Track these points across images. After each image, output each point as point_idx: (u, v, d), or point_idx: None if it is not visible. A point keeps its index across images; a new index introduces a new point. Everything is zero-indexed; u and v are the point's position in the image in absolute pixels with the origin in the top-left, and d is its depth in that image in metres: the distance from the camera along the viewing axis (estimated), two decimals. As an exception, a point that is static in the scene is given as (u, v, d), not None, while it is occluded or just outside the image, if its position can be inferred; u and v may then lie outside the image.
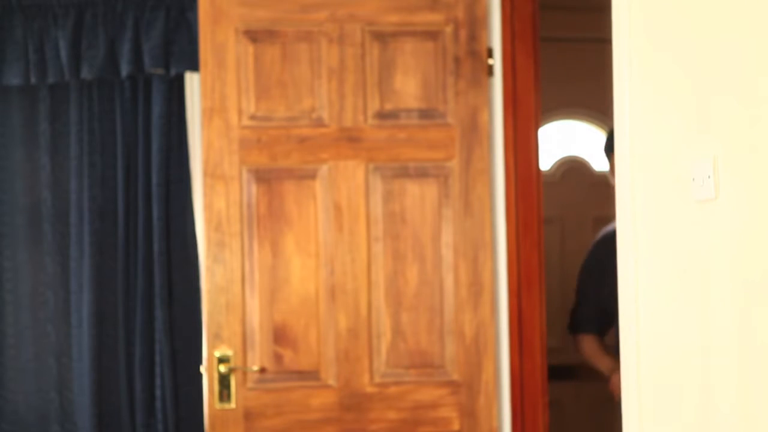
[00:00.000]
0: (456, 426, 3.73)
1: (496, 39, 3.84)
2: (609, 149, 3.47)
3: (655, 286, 2.47)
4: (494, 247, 3.80)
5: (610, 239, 3.04)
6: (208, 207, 3.71)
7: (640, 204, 2.53)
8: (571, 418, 5.92)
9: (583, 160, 6.97)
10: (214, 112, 3.72)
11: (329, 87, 3.76)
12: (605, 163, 3.95)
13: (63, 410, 4.10)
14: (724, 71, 2.18)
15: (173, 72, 4.04)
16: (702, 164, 2.22)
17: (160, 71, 4.03)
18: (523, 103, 3.85)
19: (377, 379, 3.73)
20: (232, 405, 3.68)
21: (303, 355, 3.71)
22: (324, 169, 3.75)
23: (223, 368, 3.67)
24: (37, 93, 4.13)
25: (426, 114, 3.77)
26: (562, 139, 6.95)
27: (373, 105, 3.77)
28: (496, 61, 3.83)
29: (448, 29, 3.77)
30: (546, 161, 6.77)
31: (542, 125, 4.81)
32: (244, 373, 3.69)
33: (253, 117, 3.74)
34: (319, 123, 3.76)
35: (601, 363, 4.15)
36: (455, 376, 3.74)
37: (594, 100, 6.45)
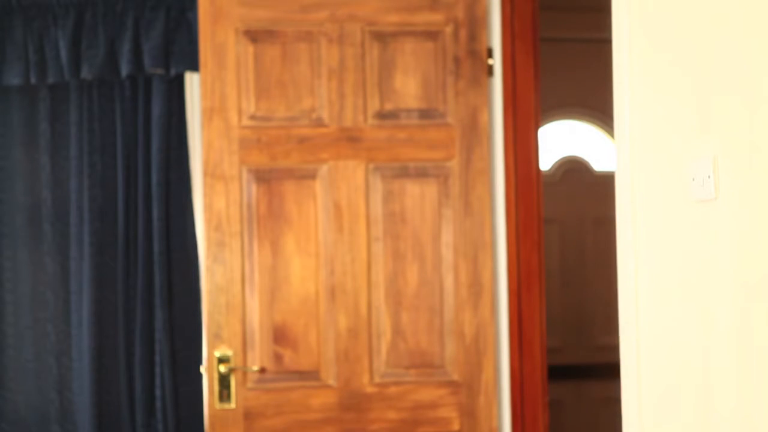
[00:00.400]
0: (456, 426, 3.73)
1: (496, 39, 3.84)
2: None
3: (655, 286, 2.47)
4: (494, 247, 3.80)
5: None
6: (208, 207, 3.71)
7: (640, 204, 2.53)
8: (571, 418, 5.92)
9: (583, 160, 6.97)
10: (214, 112, 3.72)
11: (329, 87, 3.76)
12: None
13: (63, 410, 4.10)
14: (724, 71, 2.18)
15: (173, 72, 4.04)
16: (702, 164, 2.22)
17: (160, 71, 4.03)
18: (523, 103, 3.85)
19: (377, 379, 3.73)
20: (232, 405, 3.68)
21: (303, 355, 3.72)
22: (324, 169, 3.75)
23: (223, 368, 3.67)
24: (37, 93, 4.13)
25: (426, 114, 3.77)
26: (562, 139, 6.95)
27: (373, 105, 3.77)
28: (496, 61, 3.83)
29: (448, 29, 3.78)
30: (546, 161, 6.77)
31: (542, 125, 4.82)
32: (244, 373, 3.69)
33: (253, 117, 3.74)
34: (319, 123, 3.76)
35: None
36: (455, 376, 3.74)
37: (594, 100, 6.46)
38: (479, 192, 3.76)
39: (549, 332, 3.97)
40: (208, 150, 3.72)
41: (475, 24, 3.77)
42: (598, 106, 6.69)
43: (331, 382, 3.72)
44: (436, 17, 3.77)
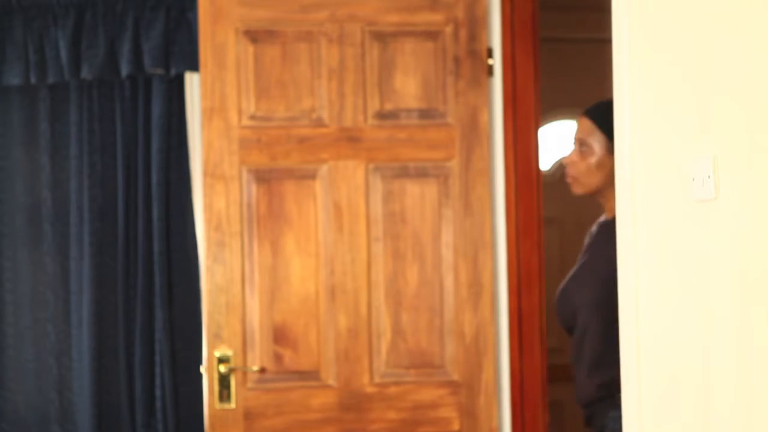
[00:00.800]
0: (456, 426, 3.73)
1: (496, 39, 3.84)
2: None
3: (655, 286, 2.47)
4: (494, 247, 3.80)
5: None
6: (208, 207, 3.71)
7: (640, 204, 2.53)
8: (571, 418, 5.92)
9: (583, 160, 6.95)
10: (214, 112, 3.72)
11: (329, 87, 3.76)
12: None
13: (63, 410, 4.10)
14: (724, 71, 2.18)
15: (173, 72, 4.04)
16: (702, 164, 2.22)
17: (160, 71, 4.03)
18: (522, 103, 3.85)
19: (377, 379, 3.73)
20: (232, 405, 3.68)
21: (303, 355, 3.72)
22: (324, 169, 3.75)
23: (223, 368, 3.67)
24: (37, 93, 4.13)
25: (426, 114, 3.77)
26: (562, 139, 6.94)
27: (373, 105, 3.77)
28: (496, 61, 3.83)
29: (448, 29, 3.77)
30: (546, 161, 6.77)
31: (542, 125, 4.81)
32: (244, 373, 3.69)
33: (253, 117, 3.74)
34: (319, 123, 3.76)
35: None
36: (455, 376, 3.74)
37: (594, 100, 6.45)
38: (479, 192, 3.76)
39: (549, 332, 3.97)
40: (208, 150, 3.72)
41: (475, 24, 3.77)
42: (598, 106, 6.68)
43: (331, 382, 3.72)
44: (436, 17, 3.77)
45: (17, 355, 4.12)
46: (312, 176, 3.75)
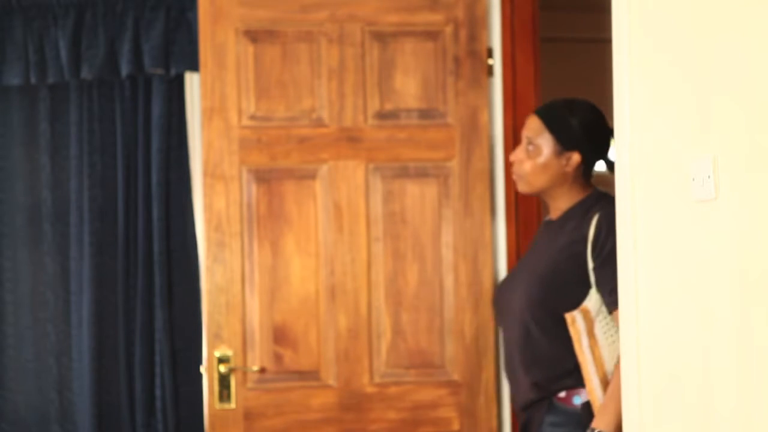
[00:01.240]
0: (456, 426, 3.73)
1: (496, 39, 3.84)
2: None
3: (655, 286, 2.47)
4: (494, 247, 3.80)
5: None
6: (208, 207, 3.71)
7: (640, 204, 2.53)
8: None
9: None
10: (214, 112, 3.72)
11: (329, 87, 3.76)
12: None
13: (63, 410, 4.10)
14: (724, 71, 2.18)
15: (173, 72, 4.04)
16: (702, 164, 2.22)
17: (160, 71, 4.03)
18: (523, 103, 3.85)
19: (377, 379, 3.73)
20: (232, 405, 3.68)
21: (303, 355, 3.71)
22: (324, 169, 3.75)
23: (223, 368, 3.67)
24: (37, 93, 4.13)
25: (426, 114, 3.77)
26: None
27: (373, 105, 3.77)
28: (496, 61, 3.83)
29: (448, 29, 3.77)
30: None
31: (542, 125, 4.81)
32: (244, 373, 3.69)
33: (253, 117, 3.74)
34: (319, 123, 3.76)
35: None
36: (455, 376, 3.74)
37: (594, 100, 6.45)
38: (479, 192, 3.76)
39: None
40: (208, 150, 3.72)
41: (475, 24, 3.77)
42: (598, 106, 6.68)
43: (331, 382, 3.72)
44: (436, 17, 3.77)
45: (17, 355, 4.12)
46: (312, 176, 3.75)
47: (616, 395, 2.82)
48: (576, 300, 2.98)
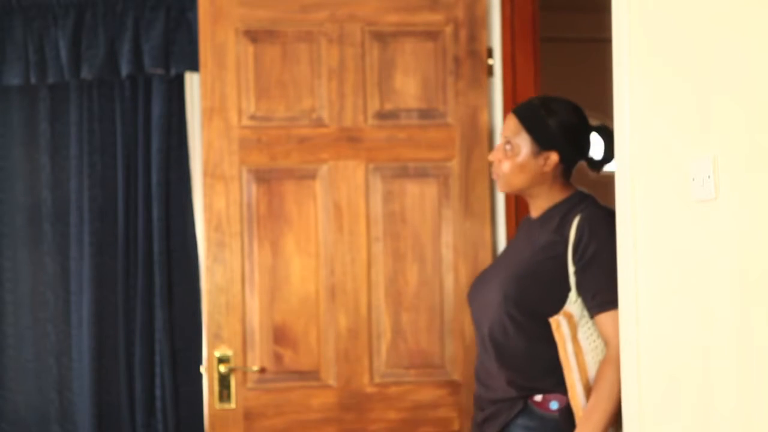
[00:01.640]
0: (456, 426, 3.73)
1: (496, 39, 3.84)
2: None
3: (655, 286, 2.47)
4: (494, 247, 3.80)
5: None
6: (208, 207, 3.71)
7: (640, 204, 2.53)
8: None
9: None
10: (214, 112, 3.72)
11: (329, 87, 3.76)
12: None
13: (63, 410, 4.10)
14: (724, 71, 2.18)
15: (173, 72, 4.04)
16: (702, 164, 2.22)
17: (160, 71, 4.03)
18: (523, 103, 3.84)
19: (377, 379, 3.73)
20: (232, 405, 3.68)
21: (303, 355, 3.71)
22: (324, 169, 3.75)
23: (223, 368, 3.67)
24: (37, 93, 4.13)
25: (426, 114, 3.77)
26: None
27: (373, 105, 3.77)
28: (496, 61, 3.83)
29: (448, 29, 3.77)
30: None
31: (542, 125, 4.81)
32: (244, 373, 3.69)
33: (253, 117, 3.74)
34: (319, 123, 3.76)
35: None
36: (455, 376, 3.74)
37: (594, 100, 6.45)
38: (479, 192, 3.76)
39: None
40: (208, 150, 3.72)
41: (475, 24, 3.77)
42: (598, 106, 6.69)
43: (331, 382, 3.72)
44: (436, 17, 3.77)
45: (17, 355, 4.12)
46: (312, 176, 3.75)
47: (601, 403, 2.80)
48: (554, 300, 2.94)
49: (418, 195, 3.77)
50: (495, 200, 3.82)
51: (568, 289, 2.93)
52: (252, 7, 3.74)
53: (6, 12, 4.06)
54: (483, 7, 3.78)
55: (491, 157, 3.11)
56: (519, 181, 3.07)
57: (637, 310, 2.54)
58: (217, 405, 3.67)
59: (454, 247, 3.74)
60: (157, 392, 4.04)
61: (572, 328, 2.89)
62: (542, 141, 3.04)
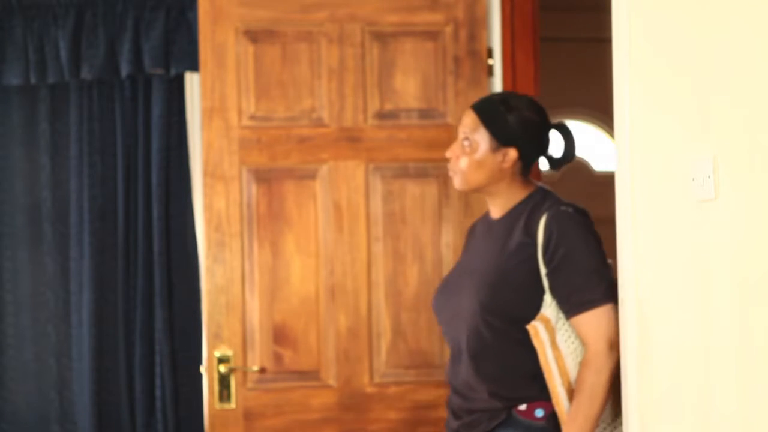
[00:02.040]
0: (456, 426, 3.73)
1: (496, 39, 3.84)
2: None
3: (655, 286, 2.47)
4: (494, 247, 3.80)
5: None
6: (208, 207, 3.71)
7: (640, 204, 2.53)
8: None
9: (583, 160, 6.96)
10: (214, 112, 3.72)
11: (329, 87, 3.76)
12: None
13: (63, 410, 4.10)
14: (724, 71, 2.18)
15: (173, 72, 4.05)
16: (702, 164, 2.22)
17: (160, 71, 4.03)
18: (523, 103, 3.84)
19: (377, 379, 3.73)
20: (232, 405, 3.68)
21: (303, 355, 3.71)
22: (324, 169, 3.75)
23: (223, 368, 3.67)
24: (37, 93, 4.13)
25: (426, 114, 3.77)
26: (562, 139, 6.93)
27: (373, 105, 3.77)
28: (496, 61, 3.83)
29: (448, 29, 3.77)
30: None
31: (542, 125, 4.81)
32: (244, 373, 3.69)
33: (253, 117, 3.74)
34: (319, 123, 3.76)
35: None
36: (455, 376, 3.73)
37: (594, 100, 6.46)
38: (479, 192, 3.75)
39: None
40: (208, 150, 3.72)
41: (475, 24, 3.77)
42: (598, 106, 6.69)
43: (331, 382, 3.72)
44: (436, 17, 3.77)
45: (17, 356, 4.12)
46: (312, 176, 3.75)
47: (582, 407, 2.73)
48: (530, 304, 2.85)
49: (418, 195, 3.77)
50: (495, 200, 3.81)
51: (543, 292, 2.84)
52: (252, 7, 3.74)
53: (6, 12, 4.06)
54: (483, 7, 3.78)
55: (448, 153, 2.99)
56: (477, 178, 2.96)
57: (637, 311, 2.54)
58: (217, 405, 3.67)
59: (454, 247, 3.74)
60: (157, 392, 4.04)
61: (550, 333, 2.80)
62: (501, 137, 2.93)
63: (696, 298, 2.29)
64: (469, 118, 2.99)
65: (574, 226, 2.84)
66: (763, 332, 2.06)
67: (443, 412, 3.73)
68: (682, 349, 2.36)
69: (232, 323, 3.69)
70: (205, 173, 3.72)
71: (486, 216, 3.06)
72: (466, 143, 2.96)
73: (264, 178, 3.73)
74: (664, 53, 2.43)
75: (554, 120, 3.06)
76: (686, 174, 2.30)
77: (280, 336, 3.71)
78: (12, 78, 4.06)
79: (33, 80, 4.05)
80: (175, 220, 4.09)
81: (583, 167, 6.91)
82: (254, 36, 3.75)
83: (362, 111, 3.76)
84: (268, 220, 3.73)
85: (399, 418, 3.72)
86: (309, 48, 3.76)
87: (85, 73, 4.03)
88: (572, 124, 6.92)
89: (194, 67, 4.02)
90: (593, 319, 2.76)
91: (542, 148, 3.01)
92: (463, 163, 2.95)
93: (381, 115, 3.77)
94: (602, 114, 6.77)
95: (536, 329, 2.81)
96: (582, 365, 2.77)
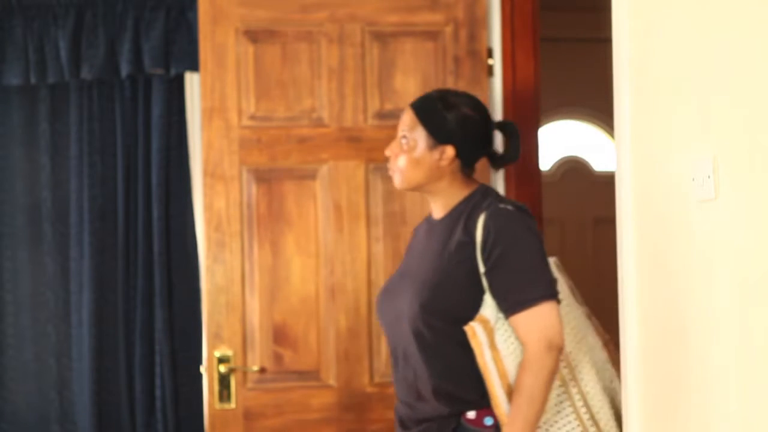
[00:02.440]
0: (456, 426, 3.72)
1: (496, 39, 3.84)
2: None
3: (655, 286, 2.47)
4: (494, 247, 3.80)
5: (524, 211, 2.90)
6: (208, 207, 3.71)
7: (640, 204, 2.53)
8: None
9: (583, 160, 6.97)
10: (214, 112, 3.72)
11: (329, 87, 3.76)
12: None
13: (63, 410, 4.10)
14: (724, 71, 2.18)
15: (173, 72, 4.05)
16: (702, 164, 2.22)
17: (160, 71, 4.03)
18: (522, 103, 3.85)
19: (377, 379, 3.73)
20: (232, 405, 3.68)
21: (303, 355, 3.71)
22: (324, 169, 3.75)
23: (223, 368, 3.67)
24: (37, 93, 4.13)
25: (426, 114, 3.77)
26: (562, 139, 6.95)
27: (373, 105, 3.77)
28: (496, 61, 3.83)
29: (448, 29, 3.78)
30: (546, 161, 6.76)
31: (542, 125, 4.81)
32: (244, 373, 3.69)
33: (253, 117, 3.74)
34: (319, 123, 3.76)
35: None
36: (455, 376, 3.73)
37: (594, 100, 6.46)
38: (479, 192, 3.75)
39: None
40: (208, 150, 3.72)
41: (475, 24, 3.77)
42: (598, 106, 6.69)
43: (331, 382, 3.72)
44: (436, 17, 3.77)
45: (17, 355, 4.12)
46: (312, 176, 3.75)
47: (521, 410, 2.66)
48: (472, 303, 2.79)
49: (419, 195, 3.76)
50: (495, 200, 3.81)
51: (484, 292, 2.79)
52: (252, 7, 3.74)
53: (6, 12, 4.06)
54: (483, 7, 3.78)
55: (387, 152, 2.94)
56: (415, 177, 2.92)
57: (637, 311, 2.54)
58: (217, 405, 3.67)
59: (454, 247, 3.74)
60: (157, 392, 4.04)
61: (488, 334, 2.73)
62: (438, 134, 2.89)
63: (696, 297, 2.29)
64: (408, 116, 2.95)
65: (513, 224, 2.77)
66: (763, 332, 2.06)
67: (443, 412, 3.74)
68: (681, 348, 2.36)
69: (232, 323, 3.69)
70: (205, 173, 3.72)
71: (428, 217, 3.02)
72: (404, 141, 2.92)
73: (264, 178, 3.74)
74: (664, 53, 2.43)
75: (499, 119, 3.02)
76: (686, 174, 2.30)
77: (280, 336, 3.71)
78: (12, 78, 4.06)
79: (33, 80, 4.05)
80: (175, 220, 4.09)
81: (583, 167, 6.91)
82: (254, 36, 3.75)
83: (362, 111, 3.76)
84: (268, 220, 3.73)
85: (399, 418, 3.72)
86: (309, 48, 3.76)
87: (85, 73, 4.03)
88: (572, 124, 6.92)
89: (194, 67, 4.02)
90: (531, 319, 2.70)
91: (482, 146, 2.94)
92: (402, 161, 2.92)
93: (381, 115, 3.77)
94: (602, 114, 6.78)
95: (473, 330, 2.75)
96: (521, 367, 2.70)
